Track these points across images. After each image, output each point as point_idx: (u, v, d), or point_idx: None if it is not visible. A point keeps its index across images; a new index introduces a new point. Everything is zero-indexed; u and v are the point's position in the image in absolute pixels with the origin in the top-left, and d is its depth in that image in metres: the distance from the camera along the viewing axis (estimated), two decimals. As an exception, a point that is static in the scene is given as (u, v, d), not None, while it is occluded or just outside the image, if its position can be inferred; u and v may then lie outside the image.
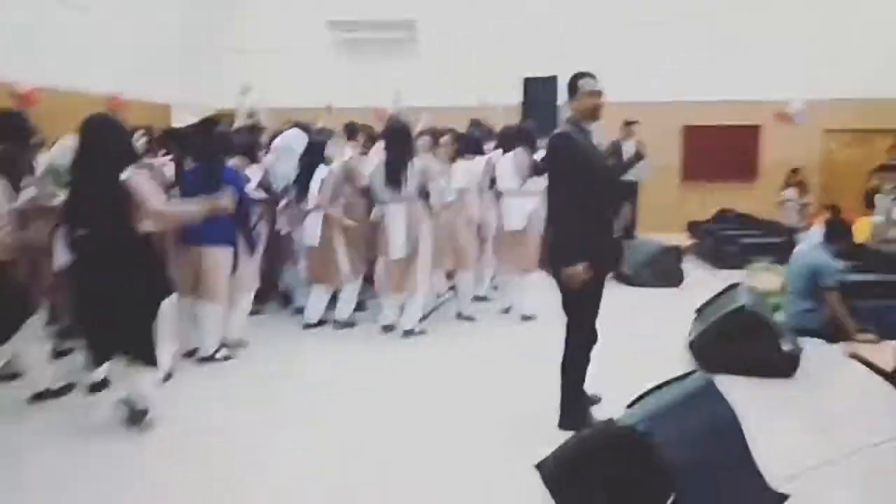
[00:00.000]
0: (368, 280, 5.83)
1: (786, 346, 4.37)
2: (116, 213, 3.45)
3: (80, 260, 3.54)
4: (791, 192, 9.17)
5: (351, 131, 6.29)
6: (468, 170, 5.81)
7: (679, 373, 3.27)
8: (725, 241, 8.74)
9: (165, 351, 3.88)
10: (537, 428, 3.60)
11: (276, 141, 5.80)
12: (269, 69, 10.66)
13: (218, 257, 4.61)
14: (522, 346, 5.19)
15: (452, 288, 6.17)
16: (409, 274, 5.31)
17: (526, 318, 5.82)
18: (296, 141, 5.67)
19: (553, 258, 3.48)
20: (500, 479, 3.14)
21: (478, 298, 6.27)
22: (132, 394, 3.69)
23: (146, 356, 3.60)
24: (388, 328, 5.54)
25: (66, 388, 4.17)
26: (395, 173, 5.17)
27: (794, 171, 9.36)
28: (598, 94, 3.43)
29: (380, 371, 4.73)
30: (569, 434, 3.28)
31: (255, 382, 4.50)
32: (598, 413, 3.59)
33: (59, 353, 4.50)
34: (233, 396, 4.25)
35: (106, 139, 3.54)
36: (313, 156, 5.45)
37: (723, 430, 2.80)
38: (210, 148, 4.71)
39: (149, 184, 3.56)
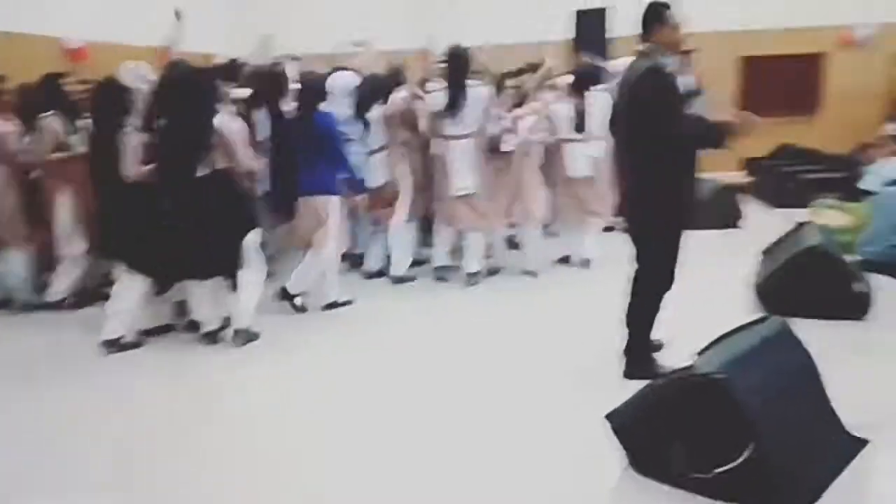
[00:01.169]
0: (427, 231, 5.76)
1: (857, 287, 4.20)
2: (204, 152, 3.98)
3: (174, 195, 4.00)
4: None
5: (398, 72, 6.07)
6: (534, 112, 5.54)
7: (742, 316, 3.19)
8: (785, 177, 8.40)
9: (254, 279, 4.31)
10: (599, 377, 3.56)
11: (329, 83, 5.64)
12: (305, 11, 10.50)
13: (327, 206, 4.69)
14: (582, 294, 5.11)
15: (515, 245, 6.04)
16: (471, 213, 5.21)
17: (585, 263, 5.74)
18: (351, 83, 5.57)
19: (642, 206, 3.32)
20: (564, 430, 3.10)
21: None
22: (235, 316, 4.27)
23: (233, 277, 4.17)
24: (441, 270, 5.50)
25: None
26: (454, 98, 5.02)
27: None
28: (680, 25, 3.23)
29: (439, 322, 4.71)
30: (634, 383, 3.27)
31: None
32: (661, 360, 3.51)
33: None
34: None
35: (189, 85, 4.00)
36: (371, 94, 5.38)
37: (801, 376, 2.74)
38: (302, 97, 4.78)
39: (241, 134, 4.22)
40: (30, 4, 6.86)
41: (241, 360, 4.10)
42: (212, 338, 4.31)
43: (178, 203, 4.04)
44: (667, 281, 3.38)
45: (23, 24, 6.79)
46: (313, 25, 9.63)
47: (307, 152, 4.68)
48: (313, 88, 4.83)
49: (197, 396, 3.67)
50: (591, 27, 8.84)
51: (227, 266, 4.16)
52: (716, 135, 3.17)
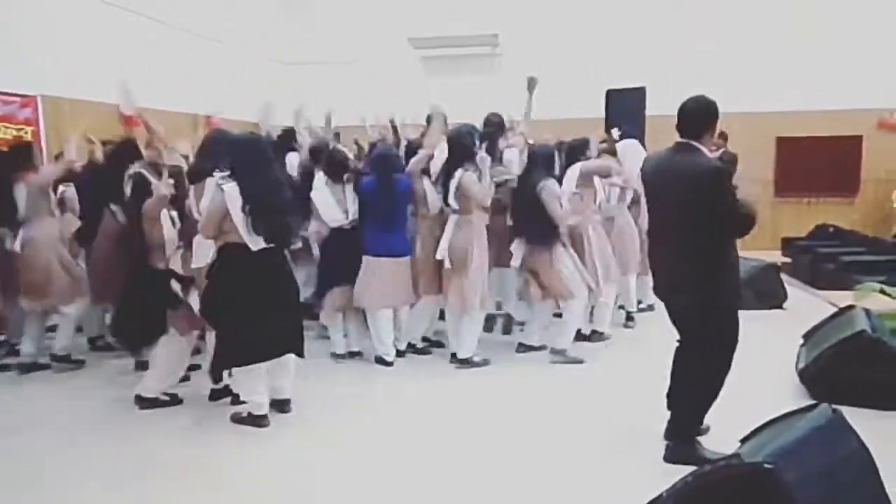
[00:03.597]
0: None
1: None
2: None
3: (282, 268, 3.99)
4: None
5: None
6: None
7: (786, 402, 3.06)
8: (824, 258, 8.28)
9: None
10: (635, 458, 3.44)
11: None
12: (350, 87, 10.88)
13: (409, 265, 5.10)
14: (605, 370, 5.00)
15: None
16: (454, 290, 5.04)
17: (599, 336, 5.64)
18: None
19: (708, 288, 3.26)
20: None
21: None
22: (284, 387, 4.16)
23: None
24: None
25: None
26: (444, 183, 5.04)
27: None
28: None
29: (468, 398, 4.59)
30: (673, 466, 3.15)
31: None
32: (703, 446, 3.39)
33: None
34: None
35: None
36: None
37: (856, 469, 2.59)
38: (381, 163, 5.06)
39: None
40: (91, 73, 7.27)
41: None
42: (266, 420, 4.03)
43: (282, 277, 4.01)
44: (730, 363, 3.31)
45: (87, 92, 7.19)
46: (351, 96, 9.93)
47: (392, 214, 4.99)
48: (391, 156, 5.15)
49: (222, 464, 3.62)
50: (626, 105, 8.97)
51: (301, 340, 4.11)
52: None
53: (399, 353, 5.30)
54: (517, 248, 5.14)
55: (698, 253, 3.21)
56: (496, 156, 5.42)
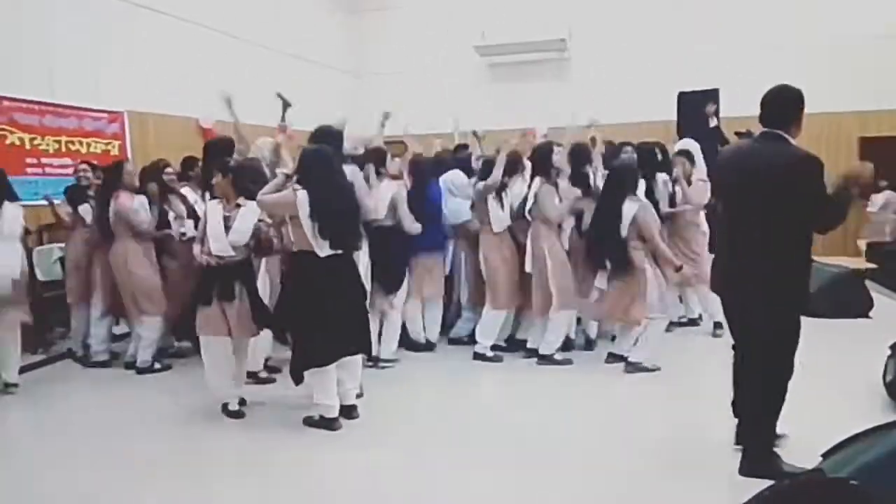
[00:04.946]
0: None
1: None
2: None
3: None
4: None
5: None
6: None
7: (872, 416, 2.91)
8: (915, 264, 7.86)
9: None
10: (707, 472, 3.32)
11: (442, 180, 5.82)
12: (417, 95, 11.02)
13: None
14: (675, 382, 4.86)
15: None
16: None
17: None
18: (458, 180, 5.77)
19: (780, 288, 3.12)
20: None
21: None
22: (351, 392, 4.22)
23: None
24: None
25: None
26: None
27: None
28: None
29: (527, 403, 4.59)
30: (748, 482, 3.05)
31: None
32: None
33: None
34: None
35: None
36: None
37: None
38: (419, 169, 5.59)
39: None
40: (174, 90, 7.65)
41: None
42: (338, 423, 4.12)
43: (350, 281, 4.13)
44: (793, 365, 3.17)
45: (170, 107, 7.59)
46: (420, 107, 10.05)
47: (423, 215, 5.28)
48: (425, 165, 5.66)
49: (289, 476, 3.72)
50: (698, 108, 8.76)
51: (369, 340, 4.33)
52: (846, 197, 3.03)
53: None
54: (600, 276, 5.10)
55: (782, 249, 3.08)
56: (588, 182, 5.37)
